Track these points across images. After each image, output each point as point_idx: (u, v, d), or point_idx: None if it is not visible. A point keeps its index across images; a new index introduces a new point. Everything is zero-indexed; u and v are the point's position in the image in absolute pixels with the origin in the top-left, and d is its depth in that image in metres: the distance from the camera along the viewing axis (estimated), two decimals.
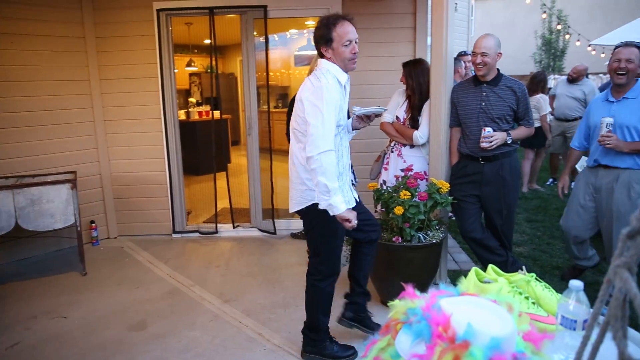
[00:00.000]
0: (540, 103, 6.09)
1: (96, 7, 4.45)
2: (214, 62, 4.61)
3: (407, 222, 2.94)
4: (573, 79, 6.31)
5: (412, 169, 3.28)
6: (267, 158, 4.65)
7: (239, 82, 10.85)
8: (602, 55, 8.87)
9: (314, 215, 2.39)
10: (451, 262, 3.97)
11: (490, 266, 1.44)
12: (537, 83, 6.24)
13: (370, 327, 2.75)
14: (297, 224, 4.76)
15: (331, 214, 2.24)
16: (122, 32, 4.49)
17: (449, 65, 3.27)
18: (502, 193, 3.15)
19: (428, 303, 1.14)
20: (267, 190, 4.69)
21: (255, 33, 4.57)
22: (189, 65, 8.43)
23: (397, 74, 4.52)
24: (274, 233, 4.66)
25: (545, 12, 8.91)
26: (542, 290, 1.33)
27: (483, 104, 3.09)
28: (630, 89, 2.90)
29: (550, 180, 6.81)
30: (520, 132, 3.21)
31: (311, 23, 8.00)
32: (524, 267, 1.42)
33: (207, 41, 9.83)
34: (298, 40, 8.45)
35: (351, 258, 2.78)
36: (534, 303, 1.28)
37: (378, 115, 2.64)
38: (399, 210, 2.89)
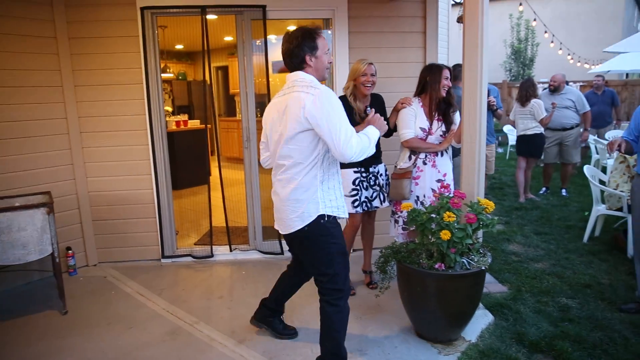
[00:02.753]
0: (535, 108, 5.97)
1: (68, 3, 3.90)
2: (206, 68, 4.14)
3: (453, 248, 2.62)
4: (555, 89, 6.25)
5: (445, 179, 3.24)
6: (268, 172, 4.22)
7: (214, 90, 10.36)
8: (587, 66, 9.02)
9: (317, 230, 2.33)
10: None
11: None
12: (527, 89, 6.13)
13: (276, 329, 2.91)
14: None
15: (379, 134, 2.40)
16: (99, 32, 3.96)
17: (485, 70, 2.99)
18: None
19: None
20: (269, 207, 4.25)
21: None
22: (163, 71, 7.85)
23: (407, 81, 4.26)
24: (281, 253, 4.24)
25: (535, 19, 8.89)
26: None
27: None
28: None
29: (544, 189, 6.71)
30: None
31: (292, 28, 7.64)
32: None
33: (179, 46, 9.35)
34: (277, 45, 8.05)
35: (280, 283, 2.92)
36: None
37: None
38: (445, 234, 2.56)
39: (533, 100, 6.04)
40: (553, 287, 3.60)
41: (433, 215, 2.74)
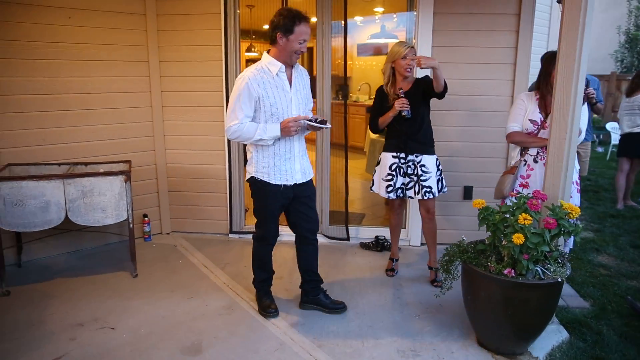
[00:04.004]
0: None
1: None
2: None
3: (526, 254, 2.36)
4: None
5: None
6: (339, 155, 4.16)
7: None
8: None
9: (252, 186, 2.84)
10: None
11: None
12: (636, 79, 5.41)
13: (325, 304, 3.02)
14: (367, 233, 4.25)
15: (279, 136, 2.67)
16: (184, 9, 4.07)
17: (584, 56, 2.63)
18: None
19: None
20: (338, 191, 4.19)
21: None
22: (249, 50, 8.01)
23: (494, 68, 3.93)
24: (347, 239, 4.19)
25: None
26: None
27: None
28: None
29: None
30: None
31: (379, 10, 7.40)
32: None
33: (266, 27, 9.48)
34: (363, 28, 7.85)
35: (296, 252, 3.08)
36: None
37: (323, 123, 2.71)
38: (518, 238, 2.31)
39: None
40: None
41: (507, 216, 2.50)
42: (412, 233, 4.08)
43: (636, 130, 5.43)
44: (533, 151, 3.04)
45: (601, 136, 10.50)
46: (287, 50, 2.60)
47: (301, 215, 2.92)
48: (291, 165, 2.79)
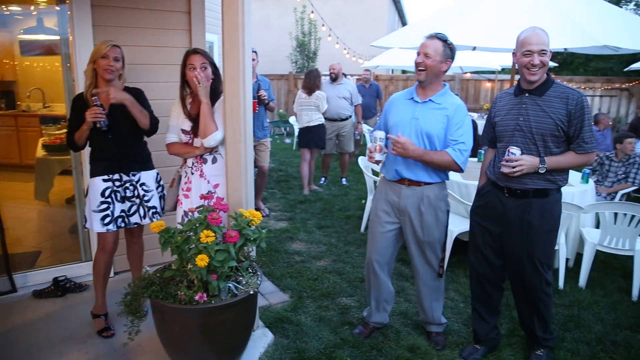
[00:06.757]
0: (320, 100, 6.04)
1: None
2: None
3: (215, 273, 2.18)
4: (335, 77, 6.48)
5: (217, 191, 2.76)
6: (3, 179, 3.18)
7: None
8: (360, 61, 9.73)
9: None
10: None
11: None
12: (313, 80, 6.15)
13: None
14: (44, 276, 3.40)
15: None
16: None
17: (248, 61, 2.61)
18: (527, 240, 2.51)
19: None
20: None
21: None
22: None
23: (169, 69, 3.67)
24: (14, 291, 3.23)
25: (313, 11, 9.06)
26: None
27: (521, 118, 2.46)
28: (438, 92, 2.66)
29: (323, 179, 6.93)
30: (566, 159, 2.43)
31: None
32: None
33: None
34: (23, 21, 6.44)
35: None
36: None
37: None
38: (202, 260, 2.10)
39: (317, 92, 6.08)
40: (333, 287, 3.53)
41: (192, 236, 2.26)
42: None
43: (312, 124, 6.16)
44: (189, 162, 2.83)
45: (287, 129, 11.83)
46: None
47: None
48: None
